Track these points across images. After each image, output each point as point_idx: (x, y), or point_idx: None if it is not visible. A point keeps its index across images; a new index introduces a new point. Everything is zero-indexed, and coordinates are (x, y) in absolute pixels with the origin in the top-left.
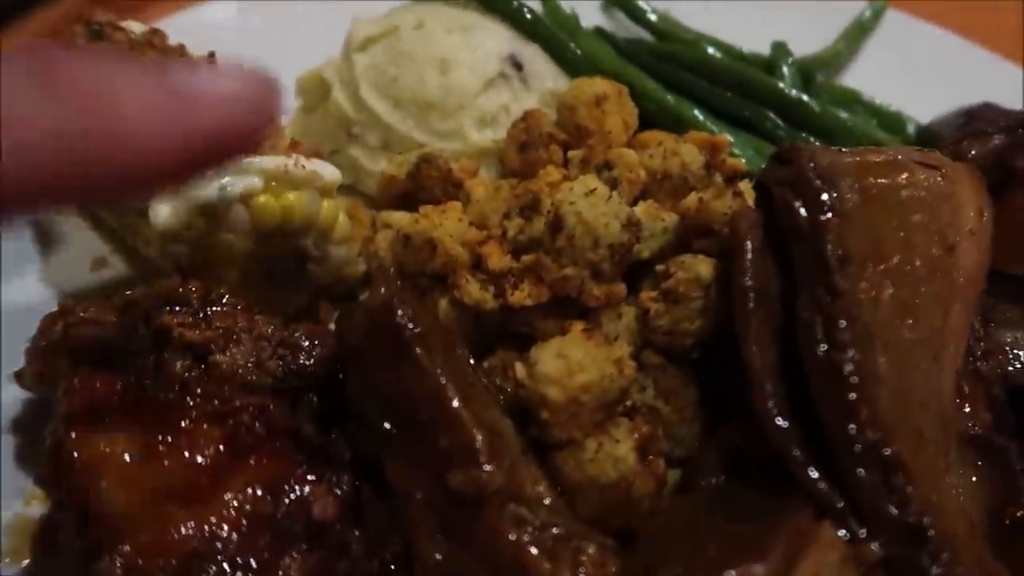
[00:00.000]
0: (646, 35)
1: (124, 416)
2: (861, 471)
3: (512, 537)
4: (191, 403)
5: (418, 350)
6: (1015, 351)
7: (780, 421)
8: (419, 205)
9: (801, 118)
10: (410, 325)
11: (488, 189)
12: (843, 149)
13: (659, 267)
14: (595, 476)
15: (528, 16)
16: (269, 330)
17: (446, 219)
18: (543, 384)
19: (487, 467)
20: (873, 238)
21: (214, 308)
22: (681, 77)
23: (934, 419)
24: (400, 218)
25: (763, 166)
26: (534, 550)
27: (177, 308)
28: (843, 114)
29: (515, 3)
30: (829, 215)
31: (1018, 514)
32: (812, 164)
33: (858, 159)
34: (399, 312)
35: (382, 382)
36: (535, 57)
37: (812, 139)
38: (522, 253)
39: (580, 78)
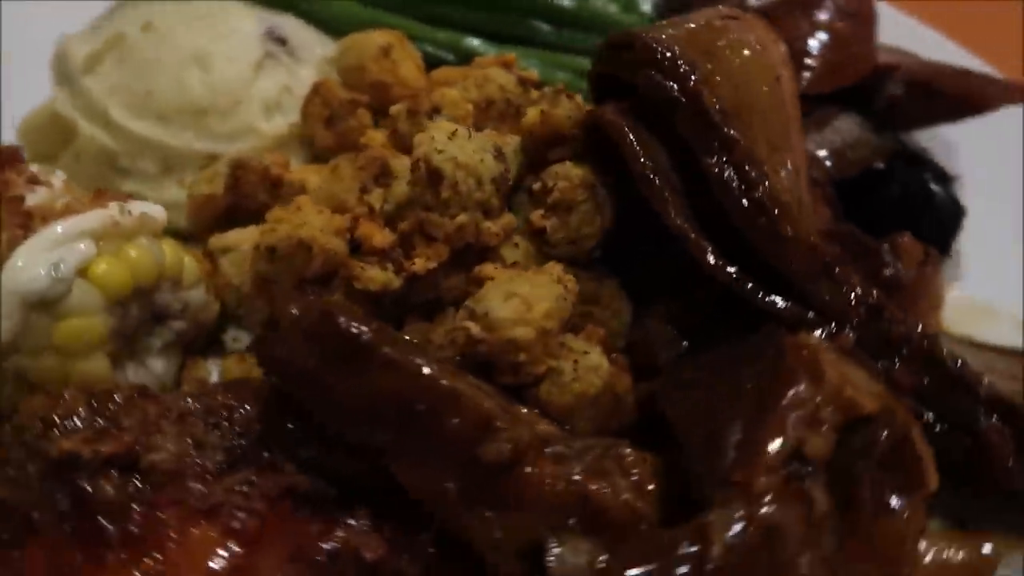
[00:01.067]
0: None
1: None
2: (811, 282)
3: (563, 477)
4: (159, 516)
5: (385, 349)
6: (830, 151)
7: (730, 269)
8: (244, 218)
9: (562, 19)
10: (362, 328)
11: (323, 173)
12: (663, 23)
13: (535, 186)
14: (583, 392)
15: None
16: (184, 404)
17: (306, 216)
18: (506, 329)
19: (510, 426)
20: (731, 88)
21: (109, 407)
22: (436, 12)
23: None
24: (243, 236)
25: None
26: (587, 478)
27: (67, 426)
28: (596, 4)
29: None
30: (695, 80)
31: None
32: (656, 42)
33: (686, 27)
34: (341, 319)
35: (353, 396)
36: (294, 27)
37: (581, 35)
38: (397, 221)
39: (351, 35)
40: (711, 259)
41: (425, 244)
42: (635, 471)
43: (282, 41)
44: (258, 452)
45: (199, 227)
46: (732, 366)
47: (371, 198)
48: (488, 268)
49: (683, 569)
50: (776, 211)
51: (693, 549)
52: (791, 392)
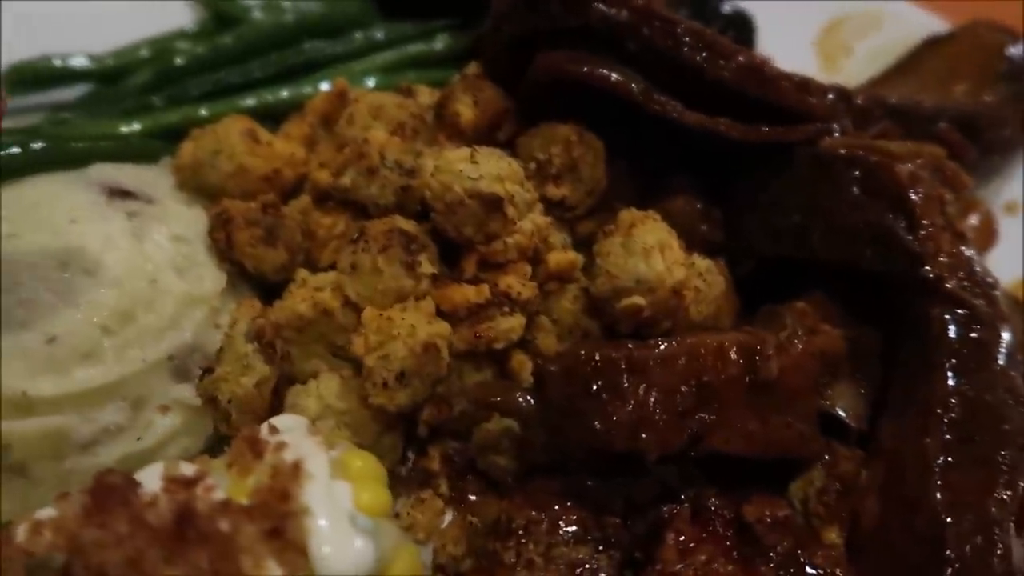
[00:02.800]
0: None
1: None
2: (803, 95)
3: None
4: None
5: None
6: None
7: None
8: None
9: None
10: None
11: (358, 285)
12: None
13: (530, 165)
14: (719, 295)
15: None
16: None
17: (405, 328)
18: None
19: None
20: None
21: None
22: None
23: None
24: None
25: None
26: None
27: None
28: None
29: None
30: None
31: None
32: None
33: None
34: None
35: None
36: (110, 170)
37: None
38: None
39: (187, 147)
40: (728, 129)
41: (498, 272)
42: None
43: (124, 192)
44: None
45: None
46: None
47: (423, 271)
48: (566, 255)
49: None
50: (757, 63)
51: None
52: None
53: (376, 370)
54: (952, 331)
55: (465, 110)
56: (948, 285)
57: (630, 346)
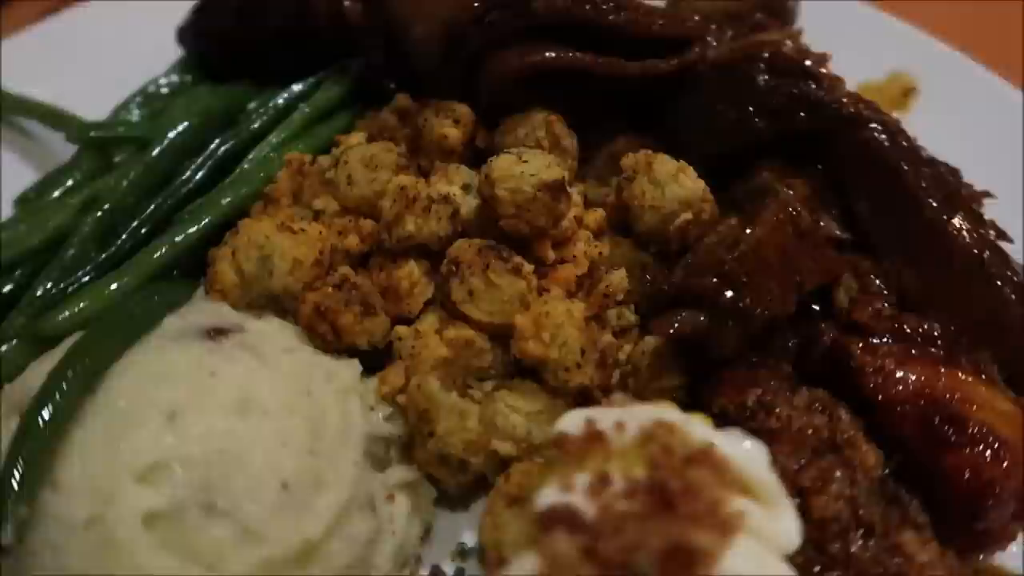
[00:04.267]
0: None
1: None
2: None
3: None
4: None
5: None
6: None
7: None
8: None
9: None
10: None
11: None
12: None
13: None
14: None
15: None
16: None
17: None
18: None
19: None
20: None
21: None
22: None
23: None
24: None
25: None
26: None
27: None
28: None
29: None
30: None
31: None
32: None
33: None
34: None
35: None
36: (193, 312)
37: None
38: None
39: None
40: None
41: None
42: None
43: (220, 330)
44: None
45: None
46: None
47: (526, 269)
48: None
49: None
50: (643, 8)
51: None
52: None
53: (562, 358)
54: (885, 139)
55: (451, 131)
56: (865, 113)
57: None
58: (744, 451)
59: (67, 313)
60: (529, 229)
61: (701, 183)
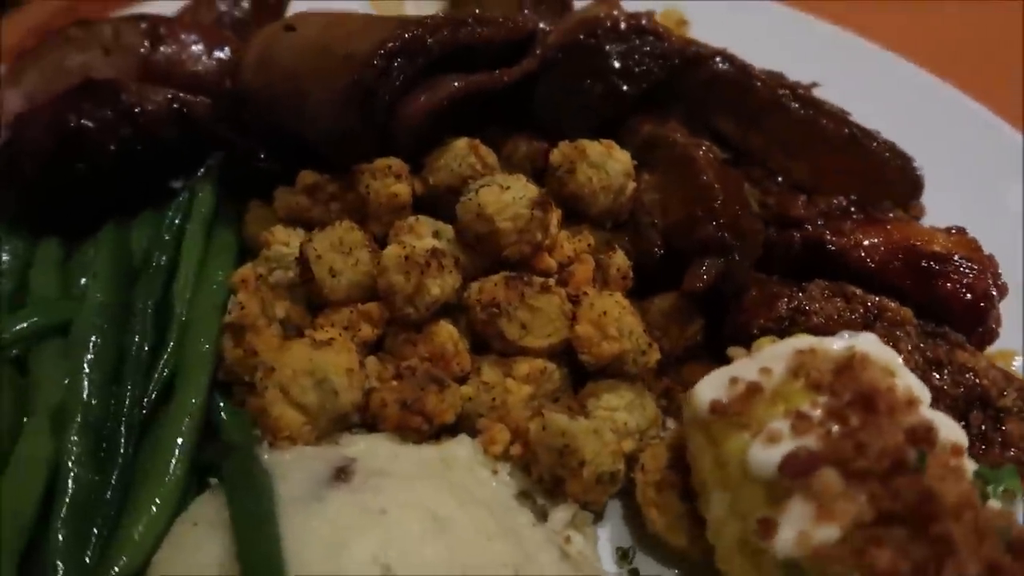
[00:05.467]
0: None
1: None
2: None
3: None
4: None
5: None
6: None
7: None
8: None
9: None
10: None
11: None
12: None
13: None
14: None
15: None
16: None
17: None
18: None
19: None
20: None
21: None
22: None
23: None
24: None
25: None
26: None
27: None
28: None
29: None
30: None
31: None
32: None
33: None
34: None
35: None
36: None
37: None
38: None
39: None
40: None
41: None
42: None
43: (344, 470)
44: None
45: None
46: None
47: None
48: None
49: None
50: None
51: None
52: None
53: (635, 345)
54: (728, 66)
55: (400, 187)
56: (703, 51)
57: None
58: (867, 343)
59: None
60: (530, 248)
61: (626, 152)
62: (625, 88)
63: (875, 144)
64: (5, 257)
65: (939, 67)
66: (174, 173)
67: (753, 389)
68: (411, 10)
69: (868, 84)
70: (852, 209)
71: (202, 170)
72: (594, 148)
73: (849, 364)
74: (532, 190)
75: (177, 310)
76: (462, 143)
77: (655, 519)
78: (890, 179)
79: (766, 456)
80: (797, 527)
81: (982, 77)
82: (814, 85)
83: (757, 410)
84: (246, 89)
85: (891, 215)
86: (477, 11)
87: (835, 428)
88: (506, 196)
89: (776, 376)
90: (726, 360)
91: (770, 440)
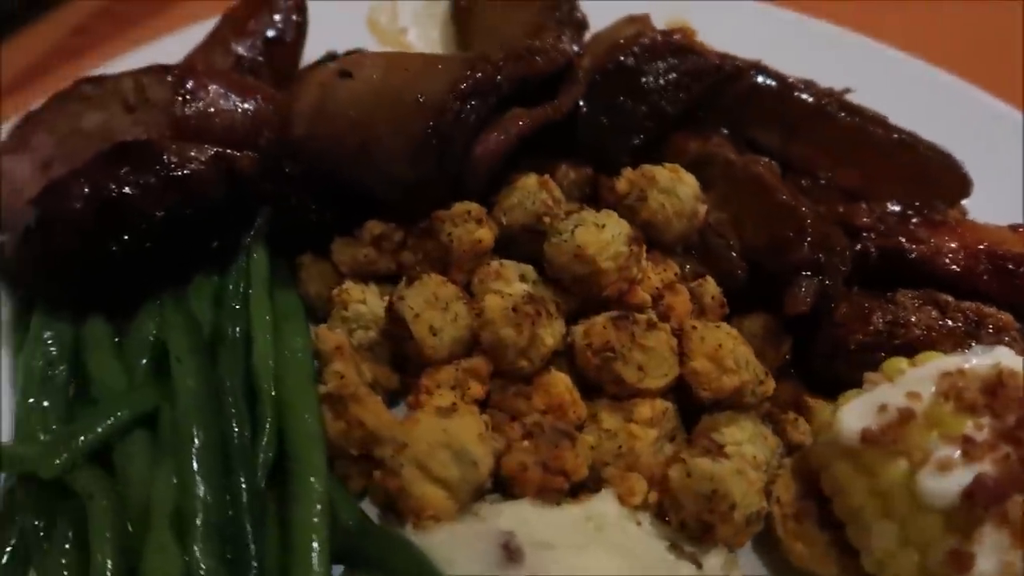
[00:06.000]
0: None
1: None
2: None
3: None
4: None
5: None
6: None
7: None
8: None
9: None
10: None
11: None
12: None
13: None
14: None
15: None
16: None
17: None
18: None
19: None
20: None
21: None
22: None
23: None
24: None
25: None
26: None
27: None
28: None
29: None
30: None
31: None
32: None
33: None
34: None
35: None
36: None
37: None
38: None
39: None
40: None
41: None
42: None
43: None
44: None
45: None
46: None
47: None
48: None
49: None
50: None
51: None
52: None
53: (753, 376)
54: (766, 79)
55: (483, 233)
56: (740, 64)
57: None
58: (1006, 357)
59: None
60: (627, 285)
61: (691, 175)
62: (667, 107)
63: (922, 146)
64: (52, 344)
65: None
66: (219, 233)
67: (906, 416)
68: (414, 38)
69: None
70: (909, 213)
71: (253, 229)
72: (662, 173)
73: (999, 382)
74: (625, 226)
75: (264, 385)
76: (532, 180)
77: (800, 552)
78: (939, 180)
79: (941, 485)
80: (997, 557)
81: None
82: (847, 91)
83: (912, 437)
84: (297, 140)
85: (946, 216)
86: (501, 39)
87: (1010, 451)
88: (604, 235)
89: (925, 400)
90: (816, 378)
91: (941, 468)
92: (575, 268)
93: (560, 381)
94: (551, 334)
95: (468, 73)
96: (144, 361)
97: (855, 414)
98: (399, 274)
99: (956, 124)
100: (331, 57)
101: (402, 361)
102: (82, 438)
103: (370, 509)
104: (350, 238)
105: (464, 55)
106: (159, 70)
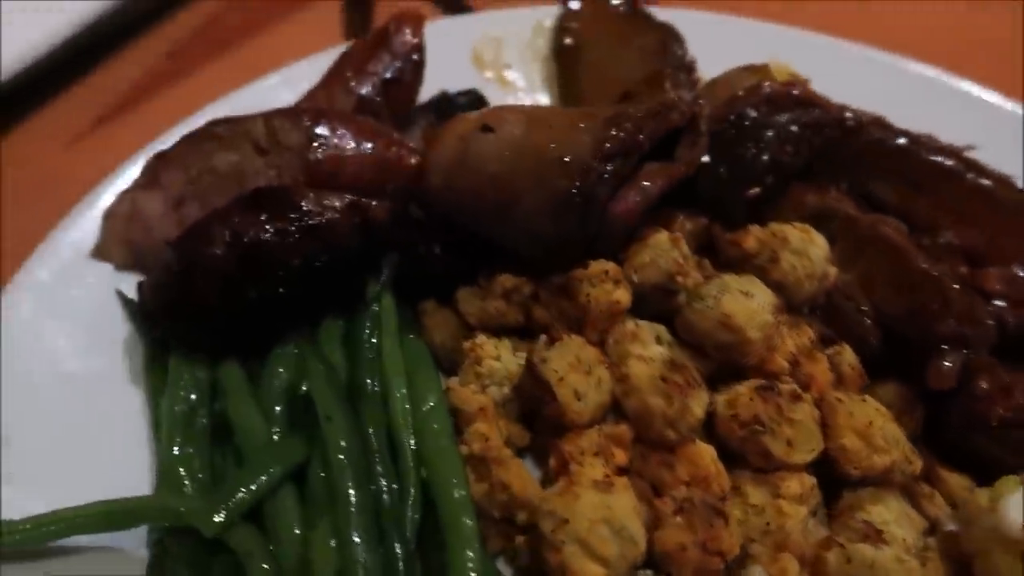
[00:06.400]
0: None
1: None
2: None
3: None
4: None
5: None
6: None
7: None
8: None
9: None
10: None
11: None
12: None
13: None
14: None
15: None
16: None
17: None
18: None
19: None
20: None
21: None
22: None
23: None
24: None
25: None
26: None
27: None
28: None
29: None
30: None
31: None
32: None
33: None
34: None
35: None
36: None
37: None
38: None
39: None
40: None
41: None
42: None
43: None
44: None
45: None
46: None
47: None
48: None
49: None
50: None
51: None
52: None
53: (903, 454)
54: (888, 134)
55: (621, 294)
56: (861, 118)
57: None
58: None
59: None
60: (768, 353)
61: (821, 235)
62: (788, 159)
63: None
64: (191, 389)
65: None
66: (347, 279)
67: None
68: (517, 75)
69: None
70: None
71: (381, 275)
72: (794, 233)
73: None
74: (769, 294)
75: (405, 442)
76: (664, 238)
77: None
78: None
79: None
80: None
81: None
82: (969, 148)
83: None
84: (433, 190)
85: None
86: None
87: None
88: (752, 304)
89: None
90: (948, 448)
91: None
92: (719, 336)
93: (706, 453)
94: (699, 404)
95: (612, 133)
96: (280, 408)
97: (1020, 508)
98: (526, 327)
99: None
100: (444, 98)
101: (530, 415)
102: (241, 494)
103: (503, 568)
104: (476, 288)
105: (603, 111)
106: (292, 113)
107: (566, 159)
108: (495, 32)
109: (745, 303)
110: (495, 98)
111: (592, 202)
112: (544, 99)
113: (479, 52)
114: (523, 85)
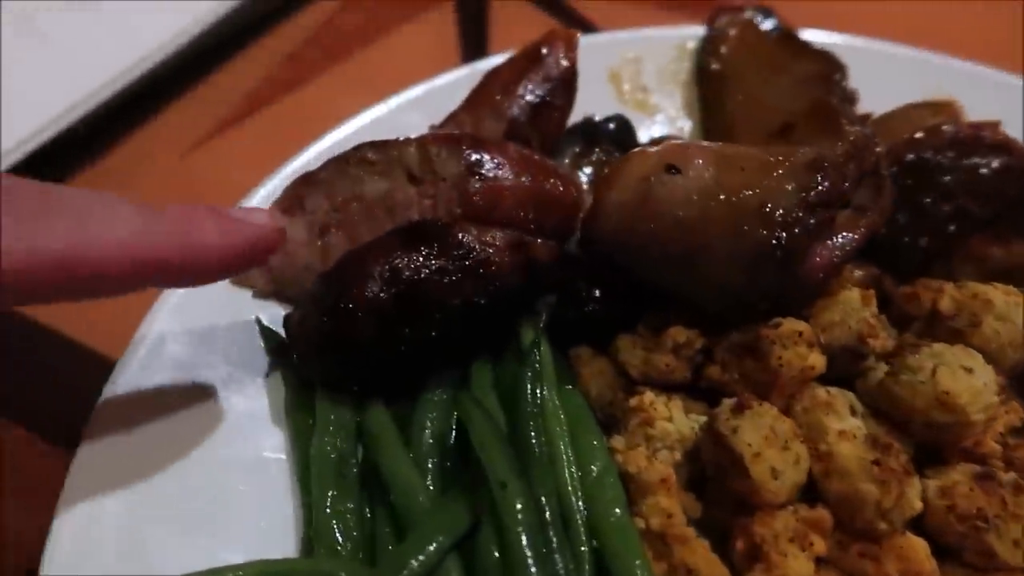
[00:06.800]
0: None
1: None
2: None
3: None
4: None
5: None
6: None
7: None
8: None
9: None
10: None
11: None
12: None
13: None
14: None
15: None
16: None
17: None
18: None
19: None
20: None
21: None
22: None
23: None
24: None
25: None
26: None
27: None
28: None
29: None
30: None
31: None
32: None
33: None
34: None
35: None
36: None
37: None
38: None
39: None
40: None
41: None
42: None
43: None
44: None
45: None
46: None
47: None
48: None
49: None
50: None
51: None
52: None
53: None
54: None
55: (815, 358)
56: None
57: None
58: None
59: None
60: (984, 435)
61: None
62: (974, 209)
63: None
64: (340, 435)
65: None
66: (503, 323)
67: None
68: (656, 99)
69: None
70: None
71: (538, 318)
72: (998, 296)
73: None
74: (991, 371)
75: (575, 511)
76: (855, 295)
77: None
78: None
79: None
80: None
81: None
82: None
83: None
84: (606, 232)
85: None
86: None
87: None
88: (975, 382)
89: None
90: None
91: None
92: (935, 415)
93: (920, 548)
94: (916, 494)
95: (818, 179)
96: (434, 460)
97: None
98: (693, 385)
99: None
100: (591, 123)
101: (699, 482)
102: (411, 567)
103: None
104: (638, 338)
105: (801, 154)
106: (450, 140)
107: (766, 208)
108: (633, 53)
109: (968, 381)
110: (634, 122)
111: (793, 255)
112: (686, 126)
113: (616, 73)
114: (665, 110)
